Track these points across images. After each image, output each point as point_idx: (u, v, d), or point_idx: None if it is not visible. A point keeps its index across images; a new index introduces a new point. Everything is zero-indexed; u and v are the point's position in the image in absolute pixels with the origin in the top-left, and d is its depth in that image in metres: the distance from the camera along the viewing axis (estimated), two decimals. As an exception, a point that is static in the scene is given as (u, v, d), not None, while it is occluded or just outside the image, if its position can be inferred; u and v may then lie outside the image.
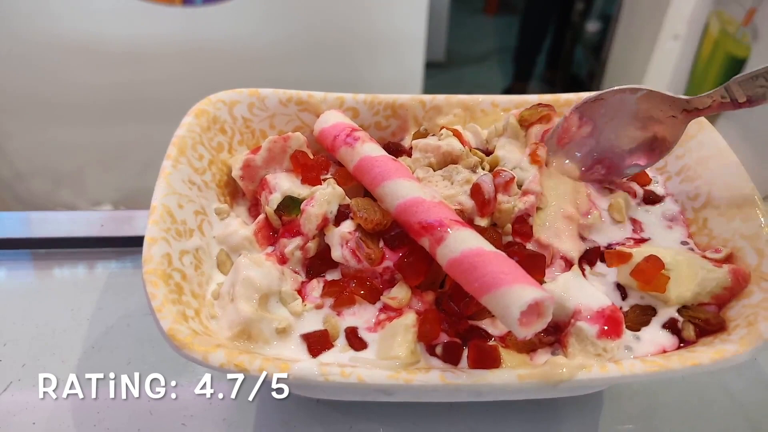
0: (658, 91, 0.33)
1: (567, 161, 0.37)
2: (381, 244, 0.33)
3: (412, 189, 0.33)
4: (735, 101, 0.30)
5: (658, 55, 1.56)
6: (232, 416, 0.39)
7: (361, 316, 0.32)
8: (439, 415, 0.39)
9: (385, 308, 0.32)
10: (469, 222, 0.33)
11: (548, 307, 0.26)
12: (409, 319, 0.30)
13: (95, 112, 1.50)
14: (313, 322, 0.32)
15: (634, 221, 0.36)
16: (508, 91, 2.31)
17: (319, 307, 0.32)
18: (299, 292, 0.33)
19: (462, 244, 0.29)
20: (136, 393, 0.40)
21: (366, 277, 0.33)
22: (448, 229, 0.29)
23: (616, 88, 0.35)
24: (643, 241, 0.35)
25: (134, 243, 0.50)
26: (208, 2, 1.39)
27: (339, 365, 0.28)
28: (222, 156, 0.38)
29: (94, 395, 0.40)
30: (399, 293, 0.31)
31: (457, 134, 0.38)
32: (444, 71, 2.29)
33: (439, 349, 0.30)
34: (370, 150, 0.35)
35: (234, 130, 0.39)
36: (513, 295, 0.26)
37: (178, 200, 0.33)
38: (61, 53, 1.38)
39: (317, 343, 0.30)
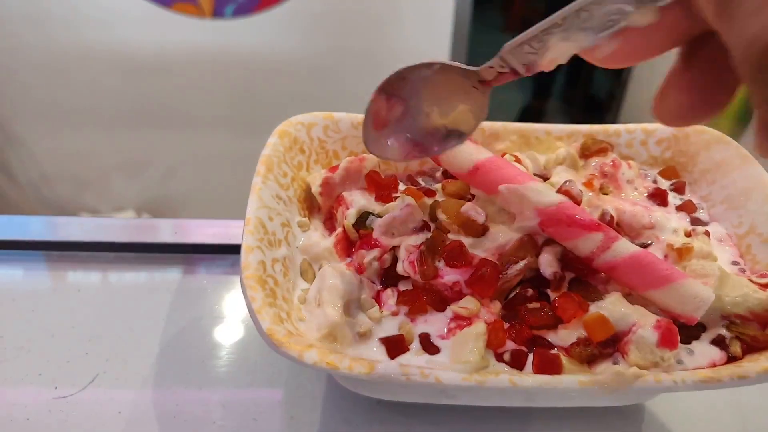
0: (451, 63, 0.32)
1: (389, 145, 0.35)
2: (442, 263, 0.36)
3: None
4: (514, 70, 0.29)
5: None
6: (299, 413, 0.43)
7: (432, 323, 0.35)
8: (492, 421, 0.42)
9: (456, 317, 0.35)
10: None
11: None
12: (480, 327, 0.33)
13: (120, 120, 1.55)
14: (389, 328, 0.35)
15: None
16: (527, 108, 2.33)
17: (394, 314, 0.36)
18: (375, 299, 0.36)
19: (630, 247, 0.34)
20: (211, 387, 0.44)
21: (436, 289, 0.36)
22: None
23: (411, 64, 0.33)
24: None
25: (200, 250, 0.54)
26: (237, 15, 1.44)
27: (418, 367, 0.32)
28: (301, 174, 0.42)
29: (172, 388, 0.44)
30: (469, 304, 0.35)
31: (518, 160, 0.41)
32: (465, 88, 2.32)
33: (507, 356, 0.33)
34: (485, 152, 0.39)
35: (311, 150, 0.43)
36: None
37: (268, 213, 0.37)
38: (88, 62, 1.43)
39: (395, 346, 0.34)
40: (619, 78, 1.99)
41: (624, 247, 0.35)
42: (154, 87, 1.46)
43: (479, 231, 0.37)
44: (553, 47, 0.26)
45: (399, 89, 0.34)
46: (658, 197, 0.41)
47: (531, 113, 2.32)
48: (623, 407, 0.43)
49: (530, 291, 0.35)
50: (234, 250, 0.55)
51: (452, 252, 0.35)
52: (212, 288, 0.51)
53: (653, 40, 0.23)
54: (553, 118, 2.27)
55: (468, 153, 0.38)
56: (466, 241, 0.36)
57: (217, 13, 1.40)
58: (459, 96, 0.33)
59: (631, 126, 0.45)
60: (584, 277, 0.36)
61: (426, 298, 0.35)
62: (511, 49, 0.28)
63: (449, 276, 0.35)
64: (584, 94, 2.30)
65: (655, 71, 1.72)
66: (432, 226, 0.38)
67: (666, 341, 0.32)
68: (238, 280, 0.52)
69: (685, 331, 0.34)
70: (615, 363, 0.34)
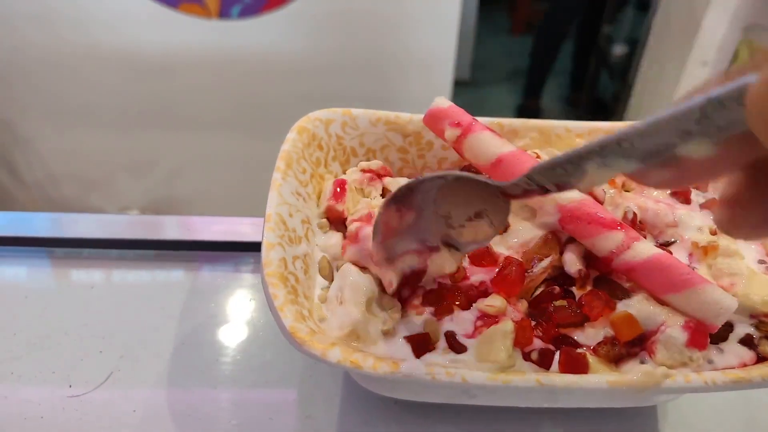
0: (468, 175, 0.30)
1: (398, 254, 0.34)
2: (467, 262, 0.36)
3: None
4: (543, 188, 0.26)
5: (686, 80, 1.57)
6: (315, 412, 0.42)
7: (458, 322, 0.34)
8: (509, 419, 0.42)
9: (482, 316, 0.34)
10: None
11: None
12: (508, 326, 0.33)
13: (126, 120, 1.54)
14: (413, 326, 0.34)
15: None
16: (521, 107, 2.32)
17: (419, 312, 0.35)
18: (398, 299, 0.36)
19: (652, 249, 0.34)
20: (225, 386, 0.43)
21: (462, 288, 0.35)
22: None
23: (425, 176, 0.31)
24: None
25: (211, 247, 0.54)
26: (243, 16, 1.43)
27: (443, 366, 0.31)
28: (319, 170, 0.41)
29: (186, 386, 0.43)
30: (495, 301, 0.34)
31: (538, 158, 0.41)
32: (469, 90, 2.33)
33: (534, 355, 0.33)
34: (509, 145, 0.38)
35: (329, 147, 0.42)
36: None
37: (289, 209, 0.36)
38: (95, 62, 1.43)
39: (420, 344, 0.33)
40: (624, 80, 1.98)
41: (644, 248, 0.34)
42: (160, 87, 1.46)
43: None
44: (591, 173, 0.23)
45: (410, 199, 0.31)
46: (681, 195, 0.41)
47: (535, 116, 2.32)
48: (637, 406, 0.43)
49: (556, 289, 0.35)
50: (244, 247, 0.54)
51: (477, 250, 0.35)
52: (224, 285, 0.50)
53: (711, 167, 0.20)
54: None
55: (492, 145, 0.37)
56: (490, 238, 0.35)
57: (224, 13, 1.40)
58: (477, 202, 0.31)
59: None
60: (609, 275, 0.36)
61: (452, 298, 0.35)
62: (541, 171, 0.26)
63: (476, 276, 0.34)
64: (589, 96, 2.30)
65: (661, 76, 1.72)
66: None
67: (695, 341, 0.32)
68: (250, 278, 0.52)
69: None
70: (642, 362, 0.33)
